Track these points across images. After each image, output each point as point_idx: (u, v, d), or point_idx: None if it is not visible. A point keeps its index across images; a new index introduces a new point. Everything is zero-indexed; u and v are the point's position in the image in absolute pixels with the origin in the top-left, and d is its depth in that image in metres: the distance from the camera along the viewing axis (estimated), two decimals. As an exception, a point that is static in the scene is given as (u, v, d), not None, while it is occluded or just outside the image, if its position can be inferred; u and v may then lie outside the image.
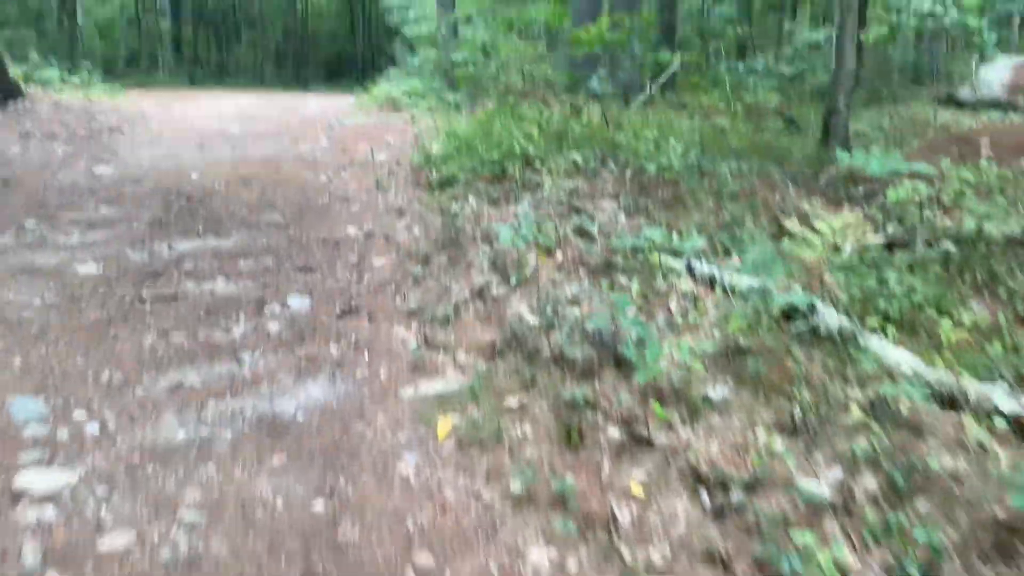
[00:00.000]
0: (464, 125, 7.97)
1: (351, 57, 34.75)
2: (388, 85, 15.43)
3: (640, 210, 4.71)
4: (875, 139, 8.15)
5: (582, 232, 4.42)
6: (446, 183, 5.91)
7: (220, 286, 4.11)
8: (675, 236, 4.30)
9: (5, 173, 6.00)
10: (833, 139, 6.67)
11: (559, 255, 4.22)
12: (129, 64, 27.16)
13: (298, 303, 3.95)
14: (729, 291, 3.67)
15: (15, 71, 11.23)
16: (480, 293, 3.93)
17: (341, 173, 7.12)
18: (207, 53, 32.14)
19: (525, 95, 10.08)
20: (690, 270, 3.90)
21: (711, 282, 3.80)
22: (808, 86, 11.69)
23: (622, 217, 4.62)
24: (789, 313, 3.34)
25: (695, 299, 3.67)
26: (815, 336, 3.24)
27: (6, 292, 3.79)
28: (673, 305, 3.62)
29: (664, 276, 3.87)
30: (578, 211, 4.70)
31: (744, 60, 16.14)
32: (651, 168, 5.01)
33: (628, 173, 5.28)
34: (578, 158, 5.56)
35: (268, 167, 7.26)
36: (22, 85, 9.73)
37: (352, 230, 5.20)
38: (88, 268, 4.20)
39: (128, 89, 17.32)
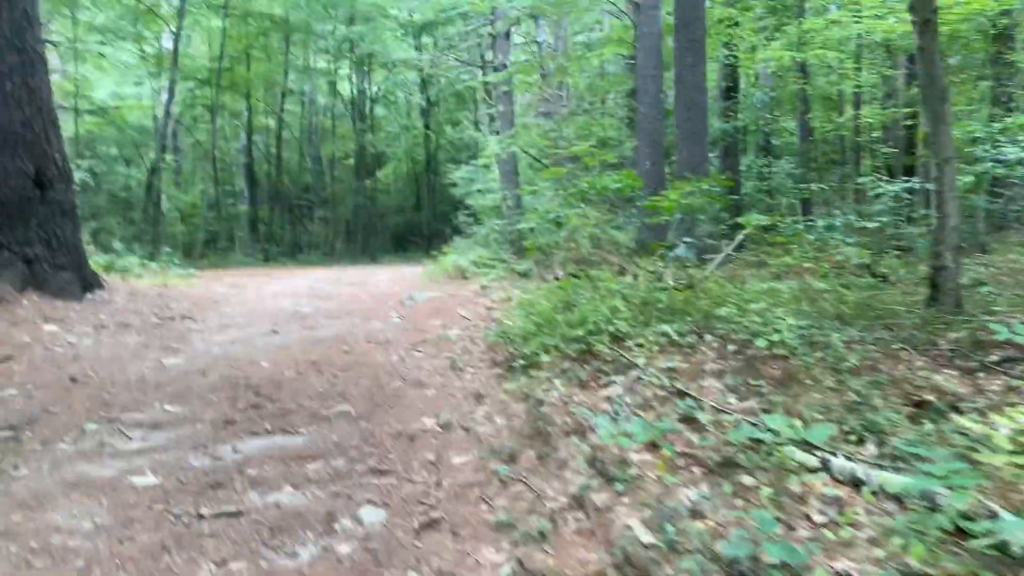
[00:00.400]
0: (536, 295, 7.68)
1: (417, 227, 35.95)
2: (455, 255, 15.58)
3: (751, 391, 4.19)
4: (984, 294, 7.51)
5: (689, 420, 3.90)
6: (526, 363, 5.51)
7: (286, 497, 3.67)
8: (797, 422, 3.75)
9: (74, 370, 5.85)
10: (943, 297, 6.11)
11: (666, 449, 3.69)
12: (207, 245, 28.50)
13: (371, 516, 3.48)
14: (880, 494, 3.07)
15: (97, 261, 11.62)
16: (579, 500, 3.40)
17: (414, 353, 6.82)
18: (281, 232, 33.62)
19: (595, 261, 9.86)
20: (826, 467, 3.32)
21: (854, 481, 3.21)
22: (888, 239, 11.23)
23: (732, 400, 4.09)
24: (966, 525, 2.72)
25: (840, 504, 3.07)
26: (1005, 555, 2.61)
27: (55, 515, 3.42)
28: (814, 514, 3.03)
29: (795, 474, 3.30)
30: (681, 394, 4.20)
31: (810, 215, 15.86)
32: (761, 343, 4.50)
33: (729, 347, 4.80)
34: (671, 331, 5.11)
35: (339, 349, 7.01)
36: (101, 275, 9.94)
37: (428, 421, 4.78)
38: (146, 480, 3.83)
39: (205, 269, 17.92)
